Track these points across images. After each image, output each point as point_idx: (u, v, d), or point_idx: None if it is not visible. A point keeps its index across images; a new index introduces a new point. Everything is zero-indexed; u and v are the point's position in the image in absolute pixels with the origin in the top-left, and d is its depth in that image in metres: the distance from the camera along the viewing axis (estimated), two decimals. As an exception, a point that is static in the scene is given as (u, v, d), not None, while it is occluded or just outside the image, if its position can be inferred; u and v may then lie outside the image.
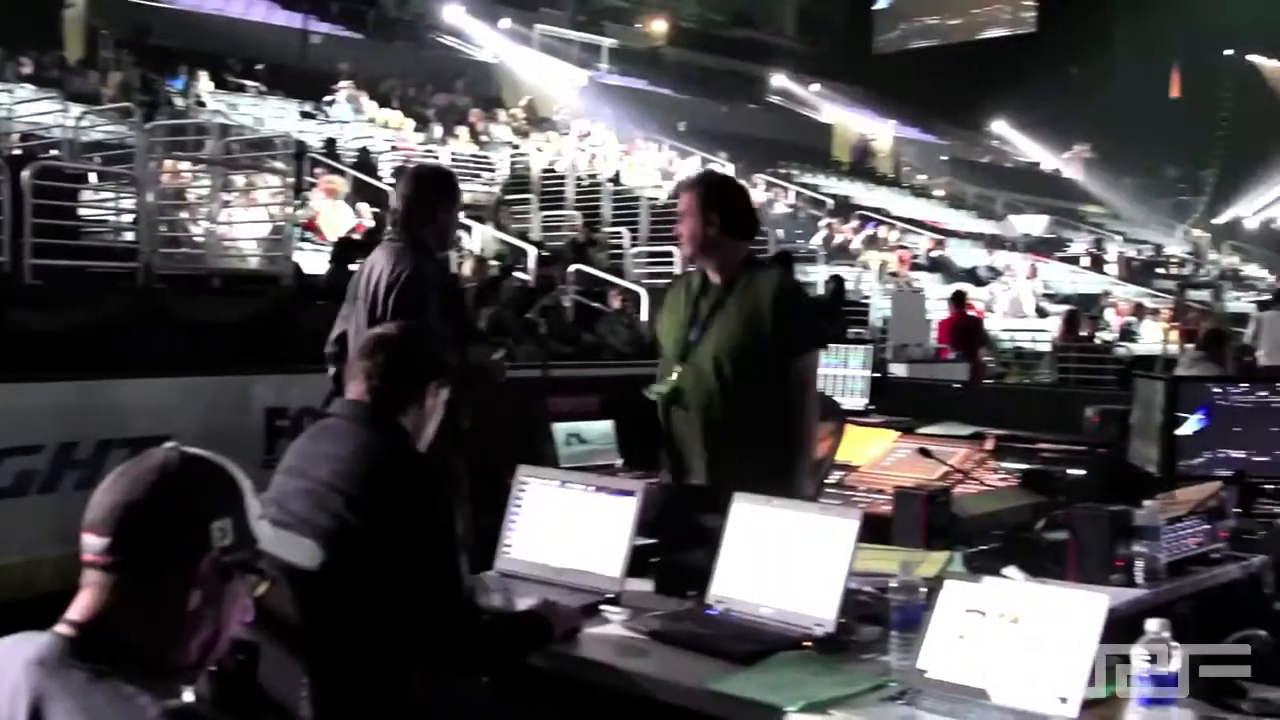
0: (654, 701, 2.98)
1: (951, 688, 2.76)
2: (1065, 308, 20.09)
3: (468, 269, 13.65)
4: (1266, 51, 38.56)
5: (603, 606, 3.44)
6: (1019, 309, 21.76)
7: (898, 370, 11.89)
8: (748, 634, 3.18)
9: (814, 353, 4.53)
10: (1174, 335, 14.21)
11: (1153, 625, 2.45)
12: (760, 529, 3.37)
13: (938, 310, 17.28)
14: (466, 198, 20.09)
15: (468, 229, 17.26)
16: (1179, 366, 11.74)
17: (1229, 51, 38.49)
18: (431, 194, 5.35)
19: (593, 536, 3.64)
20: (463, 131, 24.69)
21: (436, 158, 22.42)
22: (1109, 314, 21.69)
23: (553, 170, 22.42)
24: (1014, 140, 43.82)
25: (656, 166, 26.86)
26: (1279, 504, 5.00)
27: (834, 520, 3.27)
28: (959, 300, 16.06)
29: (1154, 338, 19.48)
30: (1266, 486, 5.01)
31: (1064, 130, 41.18)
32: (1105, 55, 36.58)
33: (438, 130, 24.62)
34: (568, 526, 3.71)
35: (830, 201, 29.83)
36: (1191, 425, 4.97)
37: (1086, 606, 2.72)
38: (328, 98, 24.75)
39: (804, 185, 31.17)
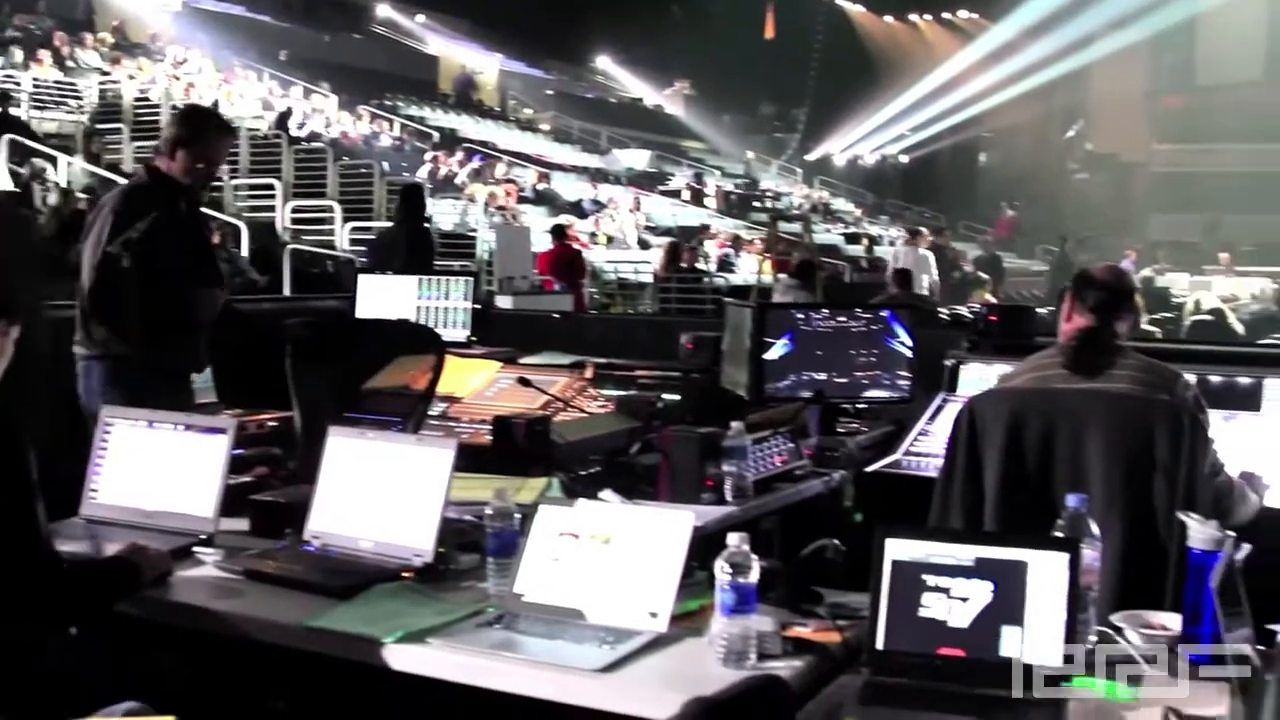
0: (254, 642, 2.92)
1: (547, 609, 2.82)
2: (666, 239, 20.64)
3: (53, 200, 12.89)
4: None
5: (195, 548, 3.34)
6: (622, 241, 22.23)
7: (504, 303, 11.94)
8: (346, 568, 3.15)
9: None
10: (767, 266, 14.82)
11: (733, 539, 2.55)
12: (356, 462, 3.34)
13: (544, 243, 17.48)
14: (50, 127, 18.98)
15: (53, 160, 16.30)
16: (775, 294, 12.29)
17: (819, -5, 40.19)
18: (174, 129, 5.20)
19: (184, 477, 3.52)
20: (46, 56, 23.11)
21: (18, 83, 21.02)
22: (708, 245, 22.40)
23: (146, 99, 21.35)
24: (618, 76, 44.49)
25: (257, 96, 25.99)
26: (858, 422, 5.33)
27: (430, 451, 3.28)
28: (560, 233, 16.28)
29: (750, 268, 20.27)
30: (845, 406, 5.32)
31: (665, 67, 42.03)
32: (704, -5, 37.52)
33: (18, 54, 23.02)
34: (157, 467, 3.58)
35: (436, 134, 29.62)
36: (778, 350, 5.21)
37: (674, 525, 2.82)
38: (-111, 19, 22.79)
39: (410, 118, 30.78)
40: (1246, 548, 3.87)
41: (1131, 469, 3.39)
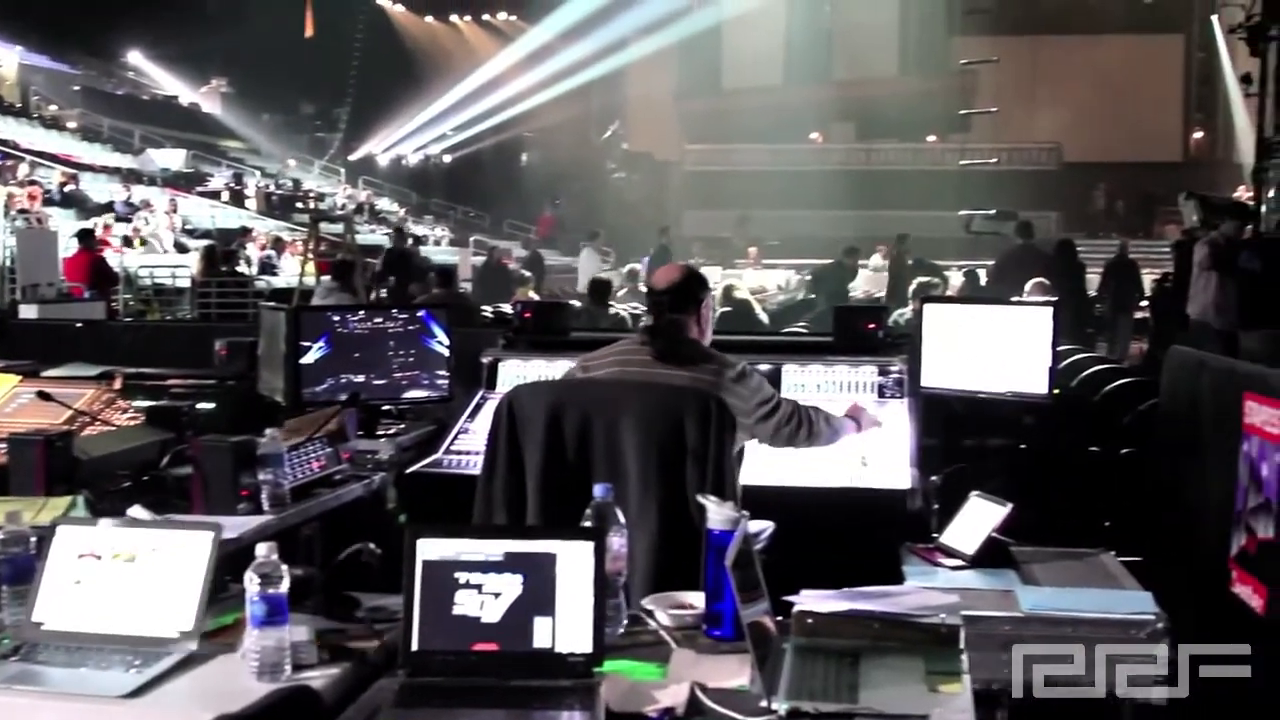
0: None
1: (70, 636, 2.70)
2: (205, 243, 20.03)
3: None
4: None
5: None
6: (158, 245, 21.41)
7: (28, 312, 11.31)
8: None
9: None
10: (310, 268, 14.65)
11: (261, 549, 2.51)
12: None
13: (73, 248, 16.64)
14: None
15: None
16: (316, 296, 12.14)
17: (360, -7, 39.87)
18: None
19: None
20: None
21: None
22: (250, 248, 21.89)
23: None
24: (151, 73, 42.77)
25: None
26: (400, 423, 5.34)
27: (-69, 475, 3.06)
28: (88, 237, 15.57)
29: (293, 270, 19.93)
30: (386, 407, 5.33)
31: (202, 64, 40.70)
32: (242, -10, 36.50)
33: None
34: None
35: (-51, 133, 27.68)
36: (314, 353, 5.16)
37: (198, 539, 2.75)
38: None
39: (-81, 116, 28.65)
40: (770, 526, 4.14)
41: (664, 456, 3.52)
